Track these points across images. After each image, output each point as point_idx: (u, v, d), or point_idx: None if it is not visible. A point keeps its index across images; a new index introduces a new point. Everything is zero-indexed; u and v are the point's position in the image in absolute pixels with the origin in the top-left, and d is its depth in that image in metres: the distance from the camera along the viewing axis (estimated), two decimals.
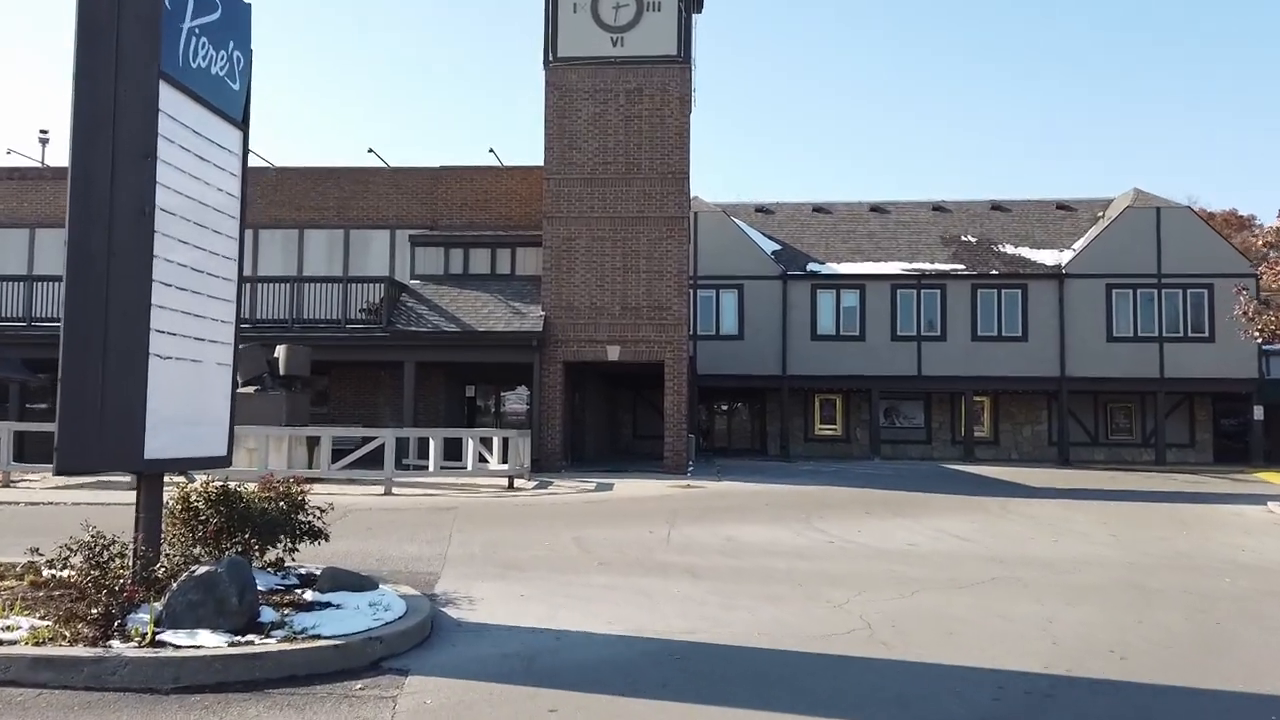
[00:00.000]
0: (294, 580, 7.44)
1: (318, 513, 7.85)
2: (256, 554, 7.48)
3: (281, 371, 19.67)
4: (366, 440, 17.93)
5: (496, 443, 19.90)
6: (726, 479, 21.59)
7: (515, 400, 27.85)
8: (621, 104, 23.42)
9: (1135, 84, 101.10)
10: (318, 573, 7.68)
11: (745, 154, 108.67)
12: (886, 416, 34.74)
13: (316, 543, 7.85)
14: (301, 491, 7.89)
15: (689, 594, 8.30)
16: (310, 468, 18.34)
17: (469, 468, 18.55)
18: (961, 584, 9.05)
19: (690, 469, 23.82)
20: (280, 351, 19.83)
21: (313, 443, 18.77)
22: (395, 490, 17.07)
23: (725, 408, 38.16)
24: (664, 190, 23.22)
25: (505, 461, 18.99)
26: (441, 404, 25.91)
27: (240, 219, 7.52)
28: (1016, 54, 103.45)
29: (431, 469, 18.08)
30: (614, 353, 23.08)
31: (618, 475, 21.64)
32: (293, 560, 7.73)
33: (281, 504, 7.65)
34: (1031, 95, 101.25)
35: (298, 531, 7.71)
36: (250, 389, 19.37)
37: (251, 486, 7.80)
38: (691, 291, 31.28)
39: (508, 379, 26.71)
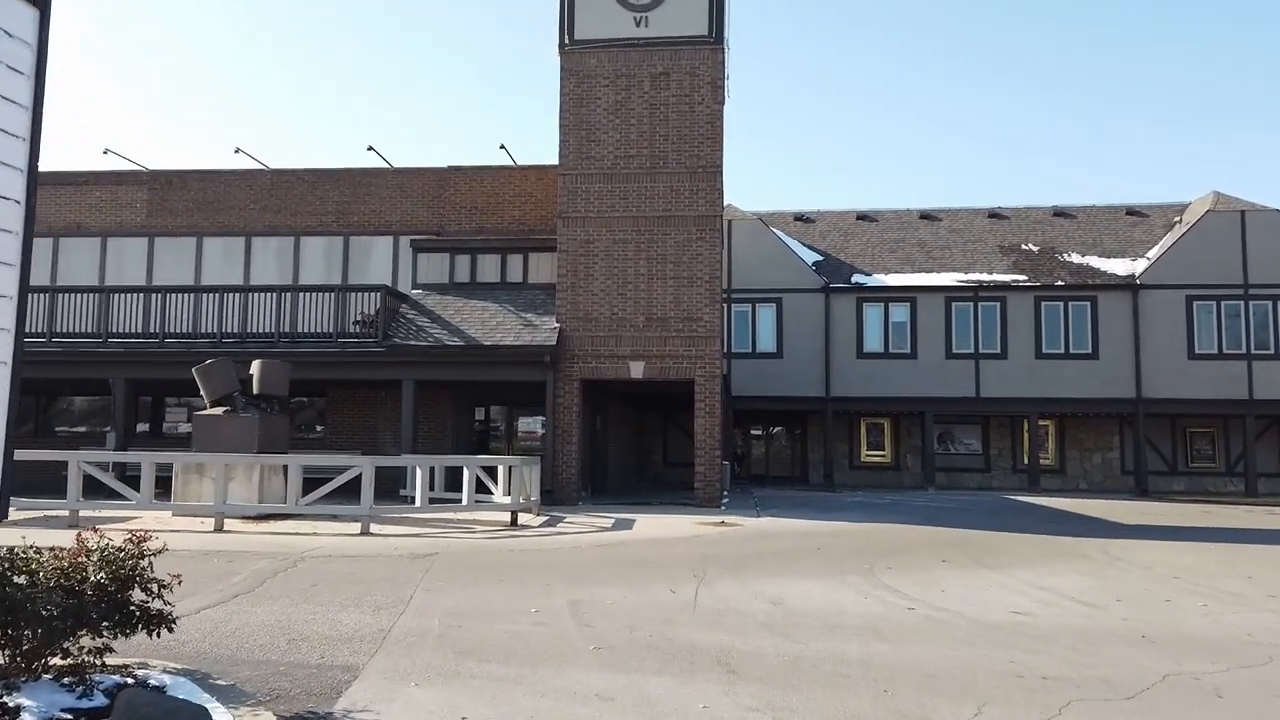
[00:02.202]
0: (98, 700, 4.76)
1: (156, 587, 5.19)
2: (43, 654, 4.83)
3: (255, 390, 17.17)
4: (345, 468, 15.26)
5: (502, 472, 17.25)
6: (766, 514, 18.73)
7: (531, 424, 25.17)
8: (646, 90, 20.83)
9: (1174, 94, 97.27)
10: (153, 680, 5.02)
11: (780, 160, 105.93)
12: (940, 442, 31.64)
13: (153, 634, 5.18)
14: (141, 556, 5.23)
15: (723, 712, 5.51)
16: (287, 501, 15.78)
17: (464, 501, 15.86)
18: (1122, 689, 6.18)
19: (725, 501, 20.98)
20: (254, 367, 17.35)
21: (299, 473, 16.16)
22: (375, 529, 14.44)
23: (762, 432, 35.23)
24: (694, 186, 20.56)
25: (511, 494, 16.29)
26: (448, 428, 23.33)
27: (32, 140, 4.92)
28: (1029, 62, 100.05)
29: (419, 503, 15.43)
30: (638, 369, 20.36)
31: (642, 509, 18.87)
32: (101, 663, 5.05)
33: (99, 577, 5.00)
34: (1062, 102, 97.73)
35: (126, 618, 5.05)
36: (218, 410, 16.95)
37: (48, 553, 5.14)
38: (725, 306, 28.61)
39: (523, 400, 24.06)
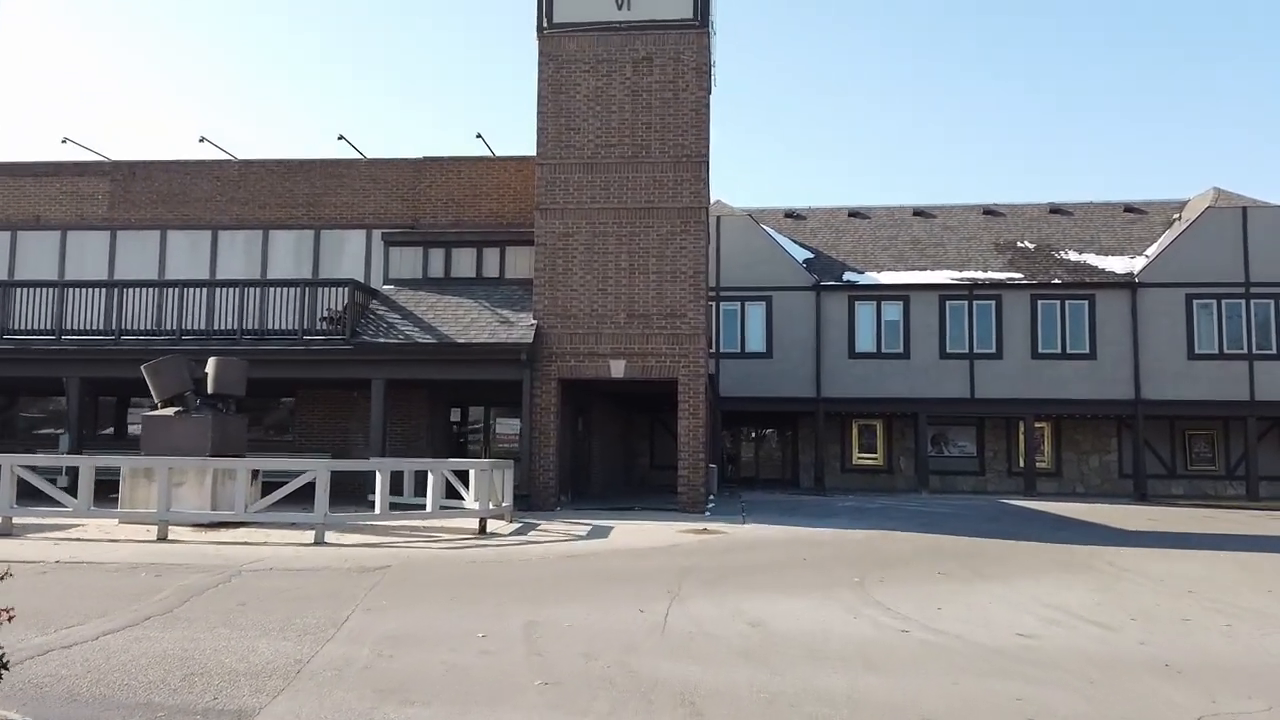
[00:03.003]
0: None
1: None
2: None
3: (210, 389, 16.15)
4: (300, 473, 14.26)
5: (474, 476, 16.27)
6: (753, 520, 17.82)
7: (511, 425, 24.19)
8: (628, 76, 19.90)
9: (1175, 89, 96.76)
10: None
11: (771, 157, 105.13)
12: (934, 444, 30.77)
13: None
14: None
15: None
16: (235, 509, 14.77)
17: (429, 507, 14.90)
18: None
19: (710, 506, 20.07)
20: (210, 365, 16.35)
21: (249, 477, 15.15)
22: (332, 538, 13.46)
23: (752, 434, 34.35)
24: (678, 177, 19.63)
25: (480, 499, 15.31)
26: (423, 429, 22.35)
27: None
28: (1024, 57, 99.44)
29: (379, 510, 14.44)
30: (618, 368, 19.42)
31: (622, 515, 17.95)
32: None
33: None
34: (1059, 97, 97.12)
35: None
36: (169, 410, 15.96)
37: None
38: (713, 304, 27.69)
39: (502, 400, 23.07)
